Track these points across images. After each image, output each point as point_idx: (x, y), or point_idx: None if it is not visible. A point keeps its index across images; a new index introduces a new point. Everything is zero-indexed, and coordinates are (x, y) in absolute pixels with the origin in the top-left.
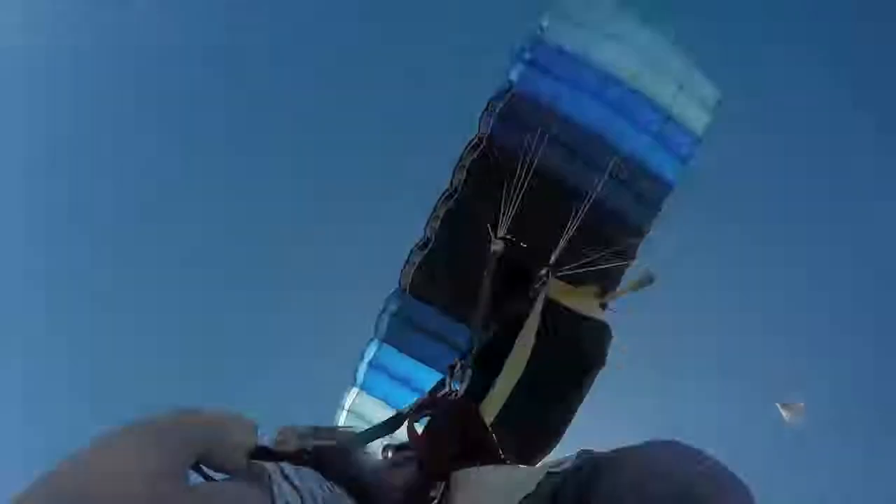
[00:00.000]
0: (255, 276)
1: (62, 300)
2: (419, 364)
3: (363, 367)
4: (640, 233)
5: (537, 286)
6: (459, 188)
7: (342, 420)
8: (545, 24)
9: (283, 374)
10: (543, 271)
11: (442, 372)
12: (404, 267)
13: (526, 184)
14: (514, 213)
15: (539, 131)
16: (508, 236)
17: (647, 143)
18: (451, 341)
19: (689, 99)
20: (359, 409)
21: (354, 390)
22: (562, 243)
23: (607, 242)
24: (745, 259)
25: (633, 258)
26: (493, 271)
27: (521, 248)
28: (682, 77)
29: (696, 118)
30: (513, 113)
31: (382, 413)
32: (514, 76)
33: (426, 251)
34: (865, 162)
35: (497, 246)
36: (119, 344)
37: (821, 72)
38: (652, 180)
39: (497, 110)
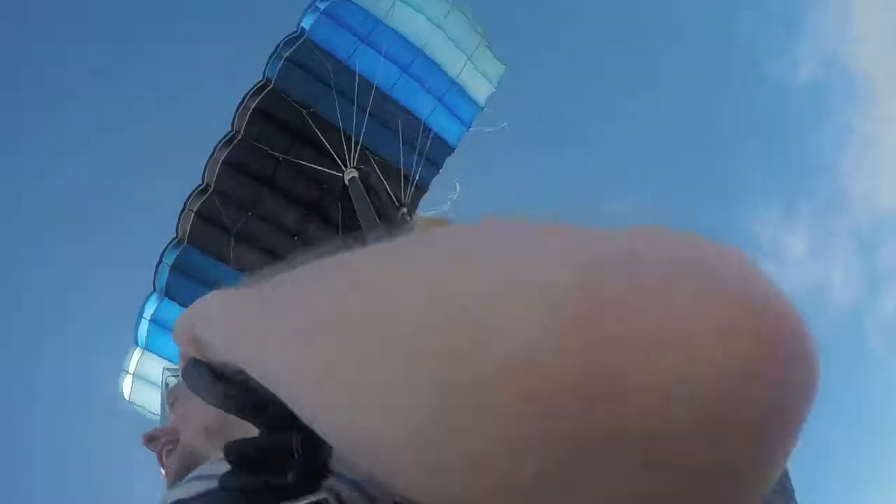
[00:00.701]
0: None
1: None
2: None
3: (143, 325)
4: (424, 189)
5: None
6: (242, 131)
7: (127, 385)
8: None
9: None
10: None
11: None
12: (181, 214)
13: (309, 130)
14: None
15: (328, 81)
16: (362, 167)
17: (433, 107)
18: None
19: (475, 69)
20: (145, 371)
21: (137, 350)
22: (411, 189)
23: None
24: None
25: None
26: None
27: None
28: (471, 49)
29: (481, 88)
30: (301, 60)
31: None
32: (306, 24)
33: (205, 197)
34: None
35: (353, 174)
36: None
37: None
38: (435, 141)
39: (286, 55)
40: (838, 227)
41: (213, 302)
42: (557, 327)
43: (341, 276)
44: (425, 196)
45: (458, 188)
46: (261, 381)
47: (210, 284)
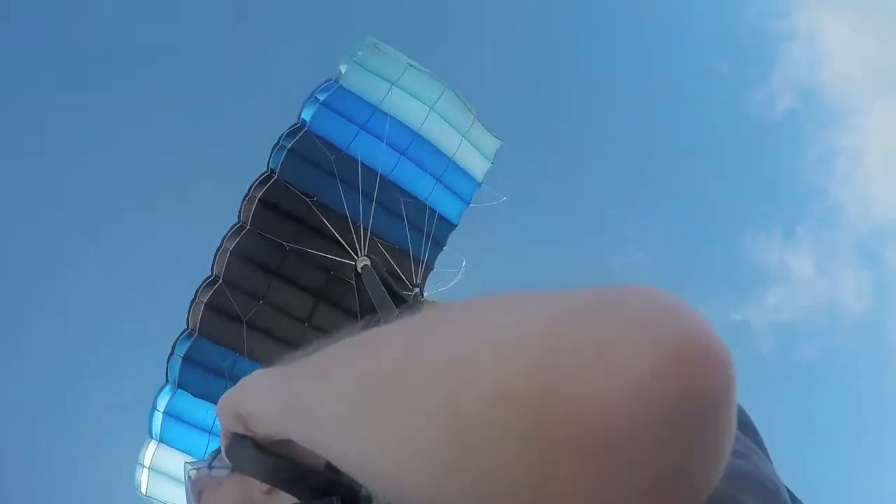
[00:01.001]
0: None
1: None
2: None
3: (158, 417)
4: (431, 267)
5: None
6: (249, 222)
7: (144, 479)
8: (342, 69)
9: None
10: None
11: None
12: (191, 306)
13: (315, 219)
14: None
15: (330, 169)
16: (372, 256)
17: (432, 187)
18: None
19: (471, 148)
20: (161, 464)
21: (152, 443)
22: (421, 269)
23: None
24: None
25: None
26: (360, 289)
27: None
28: (466, 128)
29: (477, 165)
30: (303, 150)
31: None
32: (306, 115)
33: (214, 288)
34: None
35: (364, 262)
36: None
37: None
38: (438, 220)
39: (289, 146)
40: (839, 242)
41: (258, 378)
42: (525, 371)
43: (372, 347)
44: (432, 273)
45: (465, 263)
46: (307, 442)
47: (222, 374)
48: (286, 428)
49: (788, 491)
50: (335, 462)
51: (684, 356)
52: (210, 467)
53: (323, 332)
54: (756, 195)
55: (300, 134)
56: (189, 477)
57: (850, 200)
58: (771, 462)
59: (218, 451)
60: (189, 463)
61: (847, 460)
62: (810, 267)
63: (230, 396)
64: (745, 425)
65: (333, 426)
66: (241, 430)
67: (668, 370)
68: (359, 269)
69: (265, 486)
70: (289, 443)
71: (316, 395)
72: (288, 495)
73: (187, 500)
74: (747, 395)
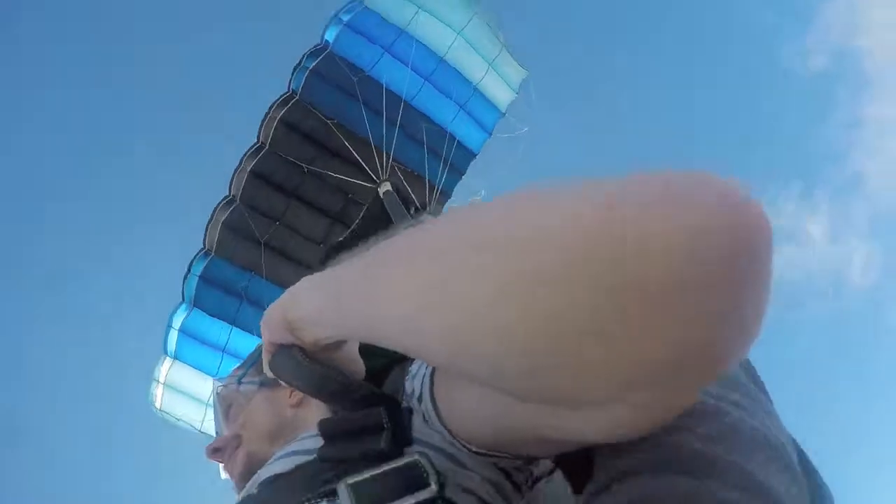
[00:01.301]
0: None
1: None
2: (232, 328)
3: (173, 335)
4: (449, 195)
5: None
6: (268, 142)
7: (159, 394)
8: None
9: None
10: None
11: (258, 335)
12: (208, 225)
13: (336, 141)
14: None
15: (353, 92)
16: (394, 180)
17: (455, 114)
18: (267, 303)
19: (496, 76)
20: (174, 381)
21: (167, 360)
22: (436, 195)
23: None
24: None
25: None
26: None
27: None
28: (492, 56)
29: (502, 94)
30: (326, 72)
31: (199, 382)
32: (329, 36)
33: (232, 208)
34: None
35: (387, 186)
36: None
37: None
38: (458, 148)
39: (311, 67)
40: (855, 211)
41: (306, 283)
42: (599, 226)
43: (432, 231)
44: (449, 201)
45: (483, 192)
46: (374, 337)
47: (238, 294)
48: (344, 325)
49: (796, 443)
50: (404, 346)
51: (732, 208)
52: (239, 383)
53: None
54: (778, 150)
55: (323, 55)
56: (217, 393)
57: (872, 172)
58: (775, 413)
59: (242, 369)
60: (218, 379)
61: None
62: (823, 232)
63: (278, 304)
64: (752, 376)
65: (408, 305)
66: (287, 340)
67: (718, 218)
68: (381, 193)
69: (295, 399)
70: (334, 353)
71: (381, 276)
72: (314, 407)
73: (214, 414)
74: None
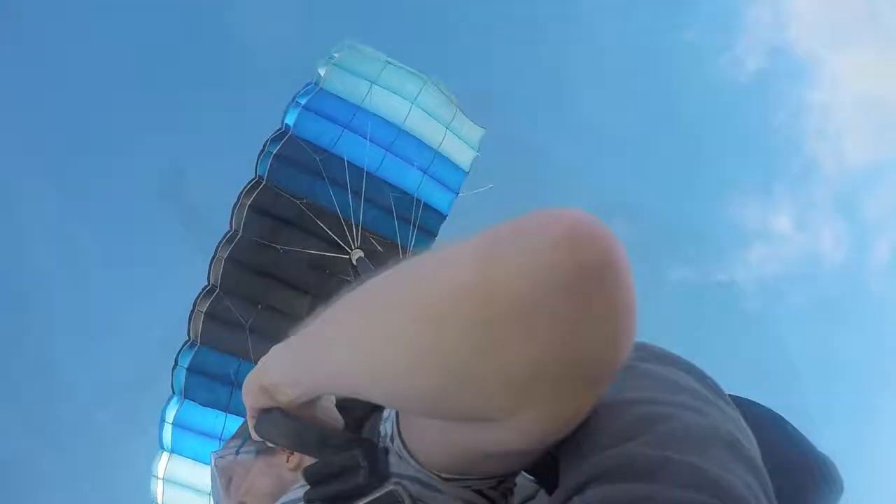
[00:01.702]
0: None
1: None
2: (226, 415)
3: (167, 429)
4: None
5: None
6: (241, 229)
7: (160, 491)
8: (322, 71)
9: None
10: None
11: None
12: (191, 316)
13: (307, 219)
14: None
15: (317, 170)
16: (366, 247)
17: (420, 179)
18: None
19: (455, 138)
20: (174, 474)
21: (164, 455)
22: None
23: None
24: None
25: None
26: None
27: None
28: (449, 119)
29: (463, 154)
30: (289, 154)
31: (199, 473)
32: (289, 120)
33: (212, 297)
34: None
35: (359, 253)
36: None
37: None
38: (426, 210)
39: (274, 151)
40: (816, 195)
41: (273, 351)
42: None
43: (371, 291)
44: None
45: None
46: (329, 386)
47: (227, 380)
48: (307, 381)
49: (782, 421)
50: (351, 390)
51: (573, 234)
52: (237, 453)
53: None
54: (732, 157)
55: (285, 138)
56: (216, 466)
57: (825, 154)
58: (729, 410)
59: (237, 439)
60: (214, 452)
61: (835, 399)
62: (788, 223)
63: (253, 373)
64: (699, 378)
65: (343, 355)
66: (267, 404)
67: (561, 245)
68: (354, 262)
69: (292, 463)
70: (310, 411)
71: (326, 335)
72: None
73: (213, 486)
74: (736, 348)
